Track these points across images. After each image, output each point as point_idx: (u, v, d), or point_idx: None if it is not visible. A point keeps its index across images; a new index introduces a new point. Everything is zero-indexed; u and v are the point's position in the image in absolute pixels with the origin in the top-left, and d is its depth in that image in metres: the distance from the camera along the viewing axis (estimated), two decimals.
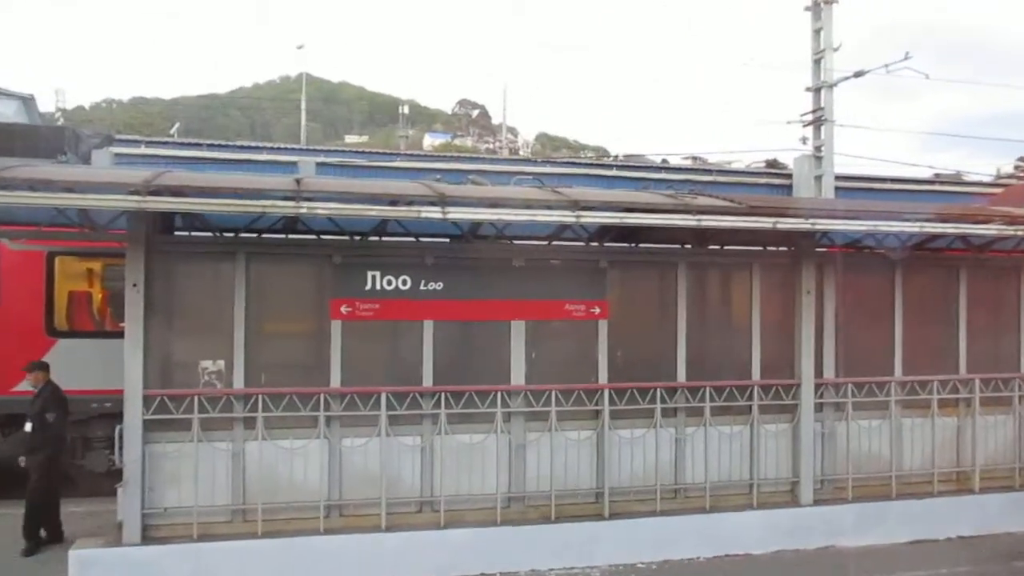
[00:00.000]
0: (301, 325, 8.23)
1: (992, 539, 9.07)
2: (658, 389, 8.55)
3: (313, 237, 8.52)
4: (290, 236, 8.47)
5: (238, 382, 7.72)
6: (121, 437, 7.37)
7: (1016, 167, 24.86)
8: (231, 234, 8.22)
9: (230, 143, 20.04)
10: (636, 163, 23.02)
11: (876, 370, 9.36)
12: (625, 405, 8.47)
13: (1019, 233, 8.72)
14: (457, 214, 7.25)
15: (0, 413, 10.08)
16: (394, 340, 8.37)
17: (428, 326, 8.14)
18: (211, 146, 18.95)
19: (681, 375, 8.75)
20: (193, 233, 8.43)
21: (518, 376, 8.32)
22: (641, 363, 8.83)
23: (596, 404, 8.47)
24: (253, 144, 20.64)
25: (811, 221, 8.06)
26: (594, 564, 8.06)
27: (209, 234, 8.33)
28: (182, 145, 19.44)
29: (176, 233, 8.42)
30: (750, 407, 8.84)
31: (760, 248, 9.30)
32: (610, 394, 8.43)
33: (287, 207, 6.87)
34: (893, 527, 8.91)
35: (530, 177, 16.25)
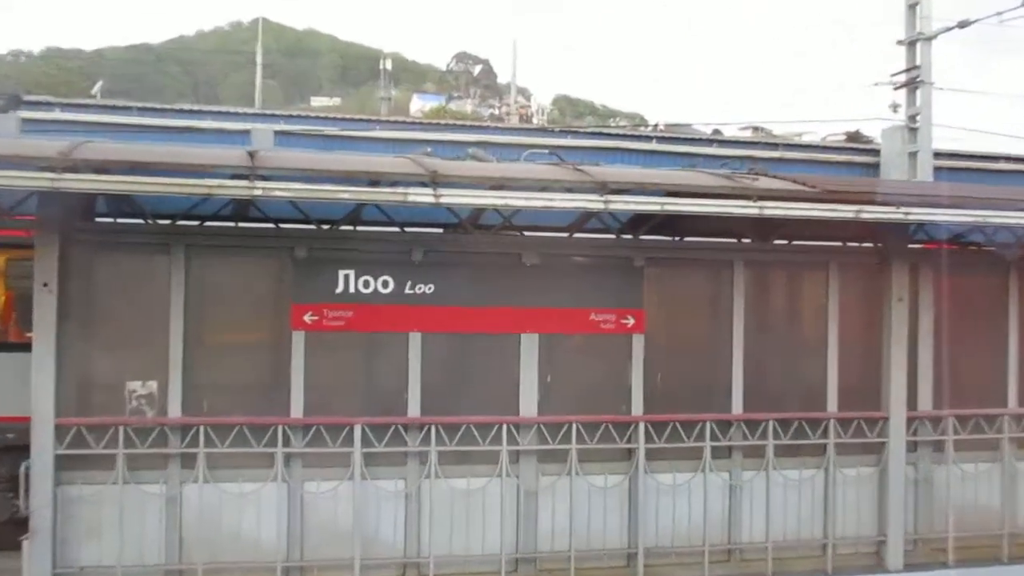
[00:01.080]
0: (254, 337, 8.28)
1: None
2: (708, 423, 8.54)
3: (271, 226, 8.54)
4: (241, 224, 8.50)
5: (174, 409, 7.74)
6: (27, 477, 7.40)
7: None
8: (167, 221, 8.23)
9: (167, 107, 20.16)
10: (681, 135, 23.02)
11: (984, 400, 9.37)
12: (665, 443, 8.46)
13: None
14: (453, 198, 7.26)
15: None
16: (372, 358, 8.40)
17: (415, 340, 8.16)
18: (143, 110, 19.07)
19: (737, 405, 8.75)
20: (120, 220, 8.47)
21: (529, 405, 8.32)
22: (686, 389, 8.85)
23: (628, 441, 8.47)
24: (196, 108, 20.75)
25: (904, 210, 8.03)
26: None
27: (140, 221, 8.34)
28: (107, 109, 19.54)
29: (99, 220, 8.47)
30: (824, 446, 8.83)
31: (839, 244, 9.31)
32: (646, 428, 8.42)
33: (238, 188, 6.91)
34: None
35: (546, 151, 16.25)
